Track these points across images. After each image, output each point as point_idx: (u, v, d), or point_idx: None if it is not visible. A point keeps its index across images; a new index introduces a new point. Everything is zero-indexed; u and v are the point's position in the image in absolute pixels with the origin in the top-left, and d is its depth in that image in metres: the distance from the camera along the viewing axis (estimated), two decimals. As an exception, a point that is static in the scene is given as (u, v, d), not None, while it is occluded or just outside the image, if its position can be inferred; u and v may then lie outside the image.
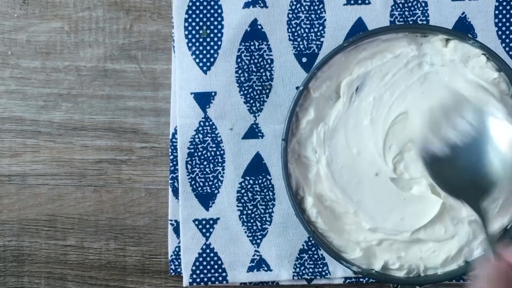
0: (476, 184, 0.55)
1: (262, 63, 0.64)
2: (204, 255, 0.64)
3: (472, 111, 0.55)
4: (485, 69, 0.59)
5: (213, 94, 0.64)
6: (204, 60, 0.64)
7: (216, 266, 0.64)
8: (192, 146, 0.64)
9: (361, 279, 0.64)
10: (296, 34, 0.65)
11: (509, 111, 0.58)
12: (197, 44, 0.65)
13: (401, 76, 0.59)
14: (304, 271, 0.64)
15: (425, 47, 0.60)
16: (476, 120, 0.55)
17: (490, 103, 0.58)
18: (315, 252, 0.64)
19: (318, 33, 0.64)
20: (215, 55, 0.64)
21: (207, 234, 0.64)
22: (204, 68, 0.64)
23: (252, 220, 0.64)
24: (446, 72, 0.59)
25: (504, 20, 0.64)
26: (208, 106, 0.64)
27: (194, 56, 0.65)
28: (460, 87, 0.59)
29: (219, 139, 0.64)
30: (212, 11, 0.65)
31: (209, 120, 0.64)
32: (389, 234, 0.59)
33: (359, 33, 0.63)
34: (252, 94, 0.64)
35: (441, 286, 0.63)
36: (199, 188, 0.64)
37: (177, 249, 0.65)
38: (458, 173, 0.55)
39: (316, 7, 0.64)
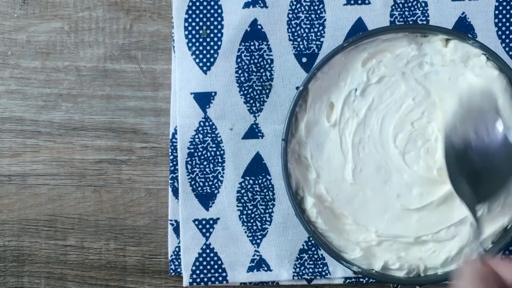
0: (479, 190, 0.55)
1: (262, 63, 0.64)
2: (204, 255, 0.64)
3: (495, 121, 0.55)
4: (485, 69, 0.59)
5: (213, 94, 0.64)
6: (204, 60, 0.64)
7: (216, 266, 0.64)
8: (192, 146, 0.64)
9: (361, 279, 0.64)
10: (296, 34, 0.65)
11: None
12: (197, 44, 0.65)
13: (401, 76, 0.59)
14: (304, 271, 0.64)
15: (425, 47, 0.60)
16: (496, 131, 0.55)
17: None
18: (315, 252, 0.64)
19: (318, 33, 0.64)
20: (215, 55, 0.64)
21: (207, 234, 0.64)
22: (204, 68, 0.64)
23: (252, 220, 0.64)
24: (446, 72, 0.59)
25: (504, 20, 0.64)
26: (208, 106, 0.64)
27: (194, 56, 0.65)
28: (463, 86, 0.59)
29: (219, 139, 0.64)
30: (212, 11, 0.65)
31: (209, 120, 0.64)
32: (391, 237, 0.59)
33: (359, 33, 0.63)
34: (252, 94, 0.64)
35: (441, 286, 0.63)
36: (199, 188, 0.64)
37: (177, 249, 0.65)
38: (467, 173, 0.55)
39: (316, 7, 0.64)
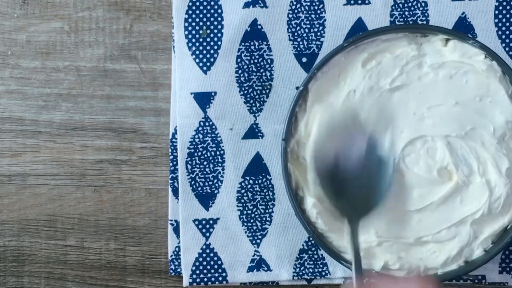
0: (357, 205, 0.56)
1: (262, 63, 0.64)
2: (204, 255, 0.64)
3: (362, 136, 0.56)
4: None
5: (213, 94, 0.64)
6: (204, 60, 0.64)
7: (216, 266, 0.64)
8: (192, 146, 0.64)
9: (361, 279, 0.64)
10: (296, 34, 0.65)
11: None
12: (197, 44, 0.65)
13: (401, 76, 0.59)
14: (304, 271, 0.64)
15: (425, 47, 0.60)
16: (365, 146, 0.56)
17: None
18: (315, 252, 0.64)
19: (318, 33, 0.64)
20: (215, 55, 0.64)
21: (207, 234, 0.64)
22: (204, 68, 0.64)
23: (252, 220, 0.64)
24: (446, 72, 0.59)
25: (504, 20, 0.64)
26: (208, 106, 0.64)
27: (194, 56, 0.65)
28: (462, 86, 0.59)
29: (219, 139, 0.64)
30: (212, 11, 0.65)
31: (209, 120, 0.64)
32: (391, 239, 0.59)
33: (359, 33, 0.63)
34: (252, 94, 0.64)
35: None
36: (199, 188, 0.64)
37: (177, 249, 0.65)
38: (343, 190, 0.56)
39: (316, 7, 0.64)
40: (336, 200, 0.56)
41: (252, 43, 0.64)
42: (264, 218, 0.64)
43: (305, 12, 0.64)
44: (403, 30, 0.60)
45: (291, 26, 0.65)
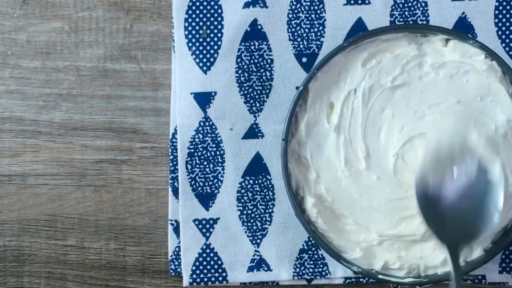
0: (459, 233, 0.55)
1: (262, 63, 0.64)
2: (204, 255, 0.64)
3: (470, 163, 0.55)
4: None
5: (213, 94, 0.64)
6: (204, 60, 0.64)
7: (216, 266, 0.64)
8: (192, 146, 0.64)
9: (361, 279, 0.64)
10: (296, 34, 0.65)
11: None
12: (197, 44, 0.65)
13: (402, 75, 0.59)
14: (304, 271, 0.64)
15: (425, 47, 0.60)
16: (472, 173, 0.55)
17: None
18: (315, 252, 0.64)
19: (318, 33, 0.64)
20: (215, 55, 0.64)
21: (207, 234, 0.64)
22: (204, 68, 0.64)
23: (252, 220, 0.64)
24: (447, 71, 0.59)
25: (504, 20, 0.64)
26: (208, 106, 0.64)
27: (194, 56, 0.65)
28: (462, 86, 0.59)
29: (219, 139, 0.64)
30: (212, 11, 0.65)
31: (209, 120, 0.64)
32: (393, 237, 0.59)
33: (359, 33, 0.63)
34: (252, 94, 0.64)
35: (441, 286, 0.63)
36: (199, 188, 0.64)
37: (177, 249, 0.65)
38: (446, 218, 0.55)
39: (316, 7, 0.64)
40: (437, 228, 0.55)
41: (252, 43, 0.64)
42: (264, 218, 0.64)
43: (305, 12, 0.65)
44: (403, 30, 0.60)
45: (291, 26, 0.65)
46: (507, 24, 0.64)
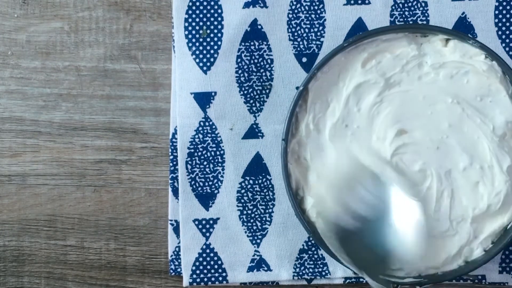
0: (377, 258, 0.55)
1: (262, 63, 0.64)
2: (204, 255, 0.64)
3: (373, 182, 0.55)
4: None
5: (213, 94, 0.64)
6: (204, 60, 0.64)
7: (216, 266, 0.64)
8: (192, 146, 0.64)
9: (361, 279, 0.64)
10: (296, 34, 0.65)
11: None
12: (197, 44, 0.65)
13: (401, 76, 0.59)
14: (304, 271, 0.64)
15: (425, 47, 0.60)
16: (379, 191, 0.55)
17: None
18: (315, 252, 0.64)
19: (318, 33, 0.64)
20: (215, 55, 0.64)
21: (207, 234, 0.64)
22: (204, 68, 0.64)
23: (252, 220, 0.64)
24: (447, 72, 0.59)
25: (504, 20, 0.64)
26: (208, 106, 0.64)
27: (194, 56, 0.65)
28: (462, 86, 0.59)
29: (219, 139, 0.64)
30: (212, 11, 0.65)
31: (209, 120, 0.64)
32: None
33: (359, 33, 0.63)
34: (252, 94, 0.64)
35: (441, 286, 0.63)
36: (199, 188, 0.64)
37: (177, 249, 0.65)
38: (363, 246, 0.55)
39: (316, 7, 0.64)
40: (354, 258, 0.55)
41: (252, 43, 0.64)
42: (264, 218, 0.64)
43: (305, 12, 0.65)
44: (403, 30, 0.59)
45: (291, 26, 0.65)
46: (507, 24, 0.64)
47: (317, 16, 0.64)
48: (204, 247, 0.64)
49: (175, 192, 0.65)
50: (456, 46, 0.59)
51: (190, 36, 0.65)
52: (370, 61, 0.60)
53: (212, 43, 0.64)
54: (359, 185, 0.55)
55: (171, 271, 0.65)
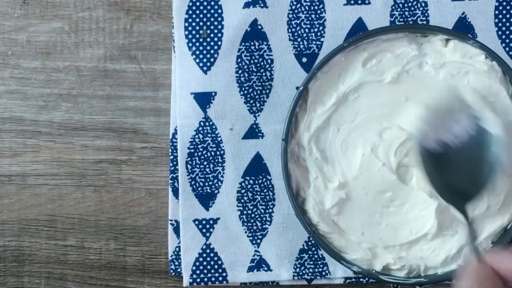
0: (464, 188, 0.55)
1: (262, 63, 0.64)
2: (204, 255, 0.64)
3: (468, 117, 0.55)
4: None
5: (213, 94, 0.64)
6: (204, 60, 0.64)
7: (216, 266, 0.64)
8: (192, 146, 0.64)
9: (361, 279, 0.64)
10: (296, 34, 0.65)
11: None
12: (197, 44, 0.65)
13: (401, 76, 0.59)
14: (304, 271, 0.64)
15: (425, 47, 0.60)
16: (471, 126, 0.55)
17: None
18: (315, 252, 0.64)
19: (318, 33, 0.64)
20: (215, 55, 0.64)
21: (207, 234, 0.64)
22: (204, 68, 0.64)
23: (252, 220, 0.64)
24: (447, 71, 0.59)
25: (504, 20, 0.64)
26: (208, 106, 0.64)
27: (194, 56, 0.65)
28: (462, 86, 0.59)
29: (219, 139, 0.64)
30: (212, 11, 0.65)
31: (209, 120, 0.64)
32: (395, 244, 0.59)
33: (359, 33, 0.63)
34: (252, 94, 0.64)
35: (441, 286, 0.63)
36: (199, 188, 0.64)
37: (177, 249, 0.65)
38: (449, 175, 0.55)
39: (316, 7, 0.64)
40: (442, 188, 0.55)
41: (252, 43, 0.64)
42: (264, 218, 0.64)
43: (305, 12, 0.65)
44: (403, 30, 0.59)
45: (291, 26, 0.65)
46: (507, 24, 0.64)
47: (317, 16, 0.64)
48: (204, 247, 0.64)
49: (175, 192, 0.65)
50: (456, 47, 0.59)
51: (190, 36, 0.65)
52: (371, 61, 0.60)
53: (212, 43, 0.64)
54: (453, 116, 0.55)
55: (171, 271, 0.65)
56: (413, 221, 0.59)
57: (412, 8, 0.64)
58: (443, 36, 0.59)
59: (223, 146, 0.64)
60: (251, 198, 0.64)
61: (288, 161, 0.59)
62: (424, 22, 0.64)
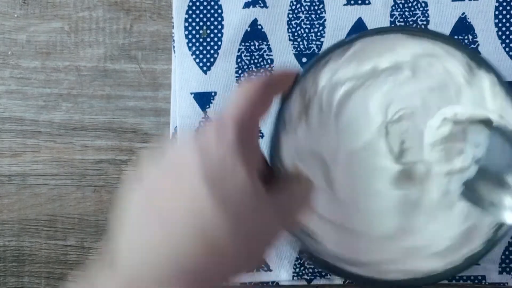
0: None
1: (262, 63, 0.64)
2: (204, 255, 0.64)
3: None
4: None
5: (213, 94, 0.64)
6: (204, 60, 0.64)
7: (216, 266, 0.64)
8: (192, 146, 0.64)
9: (361, 279, 0.64)
10: (296, 34, 0.65)
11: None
12: (197, 44, 0.65)
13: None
14: (304, 271, 0.64)
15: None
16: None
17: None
18: (315, 252, 0.64)
19: (318, 33, 0.64)
20: (215, 55, 0.64)
21: (207, 234, 0.64)
22: (204, 68, 0.64)
23: (252, 220, 0.64)
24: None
25: (504, 20, 0.64)
26: (208, 106, 0.64)
27: (194, 56, 0.65)
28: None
29: (219, 139, 0.64)
30: (212, 11, 0.65)
31: (209, 120, 0.64)
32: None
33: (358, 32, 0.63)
34: (252, 94, 0.64)
35: (441, 286, 0.63)
36: (199, 188, 0.64)
37: (177, 249, 0.65)
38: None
39: (316, 7, 0.64)
40: None
41: (252, 43, 0.64)
42: (264, 218, 0.64)
43: (305, 12, 0.65)
44: (403, 31, 0.59)
45: (291, 26, 0.65)
46: (507, 24, 0.64)
47: (317, 16, 0.64)
48: (204, 247, 0.64)
49: (175, 192, 0.65)
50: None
51: (190, 36, 0.65)
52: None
53: (212, 43, 0.64)
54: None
55: (171, 271, 0.65)
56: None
57: (412, 9, 0.64)
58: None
59: (223, 146, 0.64)
60: (251, 198, 0.64)
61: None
62: (424, 23, 0.64)
